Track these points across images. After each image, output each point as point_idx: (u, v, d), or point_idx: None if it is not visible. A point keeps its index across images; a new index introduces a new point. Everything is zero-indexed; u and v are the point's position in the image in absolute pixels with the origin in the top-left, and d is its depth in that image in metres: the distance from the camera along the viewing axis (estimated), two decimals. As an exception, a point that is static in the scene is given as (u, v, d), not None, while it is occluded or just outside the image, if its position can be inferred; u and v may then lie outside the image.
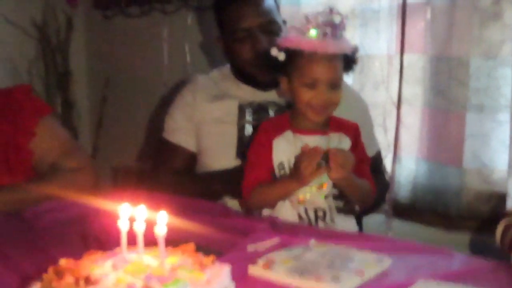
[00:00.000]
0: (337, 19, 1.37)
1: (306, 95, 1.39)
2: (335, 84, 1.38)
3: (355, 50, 1.42)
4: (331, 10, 1.37)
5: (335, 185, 1.41)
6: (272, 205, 1.43)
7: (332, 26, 1.36)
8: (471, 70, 1.80)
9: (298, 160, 1.35)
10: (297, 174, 1.34)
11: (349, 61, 1.42)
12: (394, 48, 1.98)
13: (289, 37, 1.41)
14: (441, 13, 1.86)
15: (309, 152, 1.33)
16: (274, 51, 1.41)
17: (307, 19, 1.37)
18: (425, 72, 1.93)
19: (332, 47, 1.35)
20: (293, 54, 1.39)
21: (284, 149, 1.42)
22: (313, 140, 1.42)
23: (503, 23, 1.75)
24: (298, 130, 1.44)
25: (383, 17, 1.99)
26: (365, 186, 1.44)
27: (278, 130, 1.44)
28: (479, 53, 1.79)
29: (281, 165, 1.42)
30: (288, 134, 1.43)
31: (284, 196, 1.41)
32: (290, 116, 1.47)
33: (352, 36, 2.02)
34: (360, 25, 2.03)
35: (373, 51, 2.01)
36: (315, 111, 1.40)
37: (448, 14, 1.84)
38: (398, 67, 1.96)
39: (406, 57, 1.95)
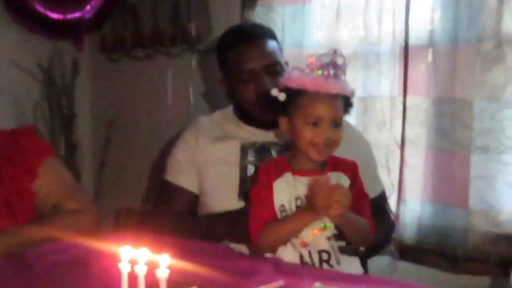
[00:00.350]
0: (340, 61, 1.40)
1: (308, 134, 1.40)
2: (338, 123, 1.40)
3: (353, 92, 1.45)
4: (335, 52, 1.40)
5: (336, 226, 1.40)
6: (282, 244, 1.41)
7: (335, 67, 1.39)
8: (475, 112, 1.81)
9: (313, 191, 1.33)
10: (313, 206, 1.32)
11: (347, 103, 1.44)
12: (397, 90, 1.99)
13: (292, 77, 1.43)
14: (443, 56, 1.88)
15: (323, 183, 1.32)
16: (274, 92, 1.44)
17: (311, 60, 1.39)
18: (428, 113, 1.94)
19: (335, 87, 1.38)
20: (295, 94, 1.41)
21: (285, 191, 1.42)
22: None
23: (506, 66, 1.76)
24: (297, 171, 1.43)
25: (385, 59, 2.00)
26: (363, 224, 1.42)
27: (278, 172, 1.44)
28: (482, 96, 1.80)
29: (282, 207, 1.41)
30: (288, 176, 1.43)
31: (296, 233, 1.39)
32: (288, 158, 1.47)
33: (355, 78, 2.03)
34: (363, 67, 2.05)
35: (376, 92, 2.02)
36: (317, 150, 1.40)
37: (450, 57, 1.86)
38: (401, 108, 1.97)
39: (409, 98, 1.95)
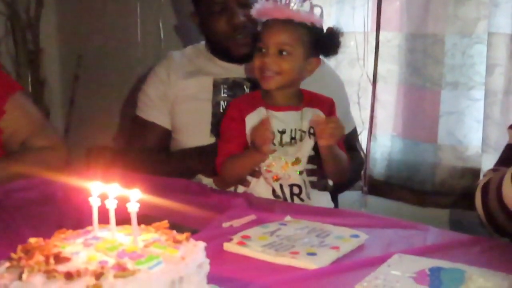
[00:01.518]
0: None
1: (256, 60, 1.41)
2: (283, 50, 1.39)
3: (334, 31, 1.43)
4: None
5: (311, 159, 1.41)
6: (242, 177, 1.43)
7: None
8: (446, 47, 1.81)
9: (253, 132, 1.36)
10: (255, 146, 1.35)
11: (325, 41, 1.42)
12: (370, 26, 1.98)
13: (256, 7, 1.44)
14: (417, -10, 1.86)
15: (260, 123, 1.34)
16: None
17: None
18: (400, 49, 1.93)
19: (281, 12, 1.38)
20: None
21: None
22: (286, 115, 1.42)
23: (478, 0, 1.75)
24: (271, 106, 1.44)
25: (359, -6, 1.97)
26: (344, 159, 1.45)
27: (251, 106, 1.44)
28: (455, 31, 1.79)
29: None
30: (261, 110, 1.43)
31: (252, 167, 1.41)
32: (262, 93, 1.47)
33: (328, 13, 2.00)
34: (337, 2, 2.02)
35: (349, 28, 2.00)
36: (263, 77, 1.40)
37: (424, -9, 1.84)
38: (374, 44, 1.96)
39: (382, 34, 1.94)
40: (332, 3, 2.02)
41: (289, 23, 1.38)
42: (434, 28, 1.82)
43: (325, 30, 1.44)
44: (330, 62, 1.98)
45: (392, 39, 1.95)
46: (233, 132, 1.43)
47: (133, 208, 0.77)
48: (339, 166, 1.44)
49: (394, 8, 1.93)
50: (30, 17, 2.70)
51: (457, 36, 1.79)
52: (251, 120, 1.42)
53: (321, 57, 1.48)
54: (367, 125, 2.00)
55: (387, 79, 1.97)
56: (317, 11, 1.41)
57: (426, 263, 0.97)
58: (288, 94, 1.44)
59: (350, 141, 1.80)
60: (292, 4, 1.38)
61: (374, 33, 1.95)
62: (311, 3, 1.40)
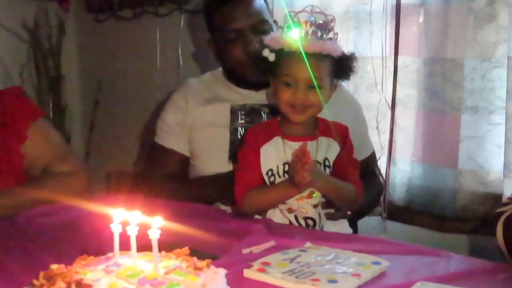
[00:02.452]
0: (320, 19, 1.36)
1: (285, 94, 1.38)
2: (313, 84, 1.36)
3: (348, 56, 1.41)
4: (312, 9, 1.37)
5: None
6: (265, 211, 1.41)
7: (315, 25, 1.36)
8: (466, 72, 1.80)
9: (293, 166, 1.32)
10: (293, 181, 1.31)
11: (341, 66, 1.40)
12: (388, 50, 1.98)
13: (274, 36, 1.41)
14: (435, 15, 1.86)
15: (301, 157, 1.29)
16: (265, 52, 1.41)
17: (290, 18, 1.36)
18: (419, 74, 1.93)
19: (311, 46, 1.34)
20: (278, 54, 1.39)
21: (273, 156, 1.41)
22: None
23: (498, 24, 1.74)
24: (287, 136, 1.42)
25: (377, 19, 1.98)
26: (348, 190, 1.41)
27: (267, 136, 1.42)
28: (474, 55, 1.79)
29: (270, 171, 1.41)
30: (277, 140, 1.42)
31: (279, 202, 1.39)
32: (279, 122, 1.45)
33: (346, 38, 2.01)
34: (354, 27, 2.03)
35: (367, 53, 2.01)
36: (294, 111, 1.38)
37: (442, 16, 1.84)
38: (392, 69, 1.96)
39: (400, 59, 1.94)
40: (350, 29, 2.03)
41: (318, 56, 1.35)
42: (453, 53, 1.82)
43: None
44: (349, 87, 1.99)
45: (410, 63, 1.94)
46: (250, 161, 1.42)
47: (154, 235, 0.77)
48: (343, 198, 1.41)
49: (412, 33, 1.93)
50: (52, 44, 2.76)
51: (476, 60, 1.78)
52: (266, 150, 1.41)
53: (336, 80, 1.47)
54: (386, 150, 1.99)
55: (406, 103, 1.97)
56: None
57: (450, 291, 0.95)
58: (305, 123, 1.43)
59: (368, 166, 1.80)
60: (319, 35, 1.35)
61: (392, 57, 1.95)
62: (335, 32, 1.38)
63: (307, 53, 1.34)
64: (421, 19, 1.90)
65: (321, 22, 1.36)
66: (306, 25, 1.35)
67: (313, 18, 1.36)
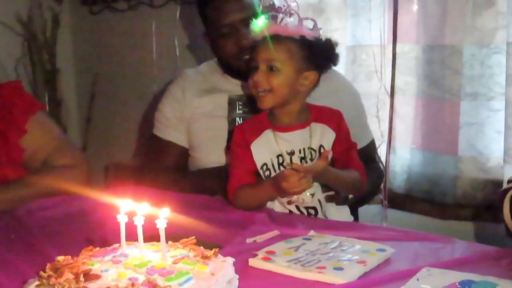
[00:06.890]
0: (280, 3, 1.40)
1: (251, 80, 1.40)
2: (272, 66, 1.36)
3: (324, 41, 1.40)
4: None
5: None
6: (256, 207, 1.39)
7: (274, 9, 1.39)
8: (465, 58, 1.79)
9: (280, 177, 1.28)
10: (280, 188, 1.29)
11: (315, 52, 1.38)
12: (386, 38, 1.97)
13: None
14: (433, 1, 1.85)
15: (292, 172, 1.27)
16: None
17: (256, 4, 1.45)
18: (418, 61, 1.92)
19: (269, 29, 1.37)
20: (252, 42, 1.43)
21: (265, 151, 1.40)
22: (293, 136, 1.39)
23: (496, 10, 1.74)
24: (277, 127, 1.41)
25: (375, 7, 1.97)
26: (350, 177, 1.40)
27: (256, 131, 1.41)
28: (473, 41, 1.78)
29: (264, 166, 1.40)
30: (267, 133, 1.41)
31: (268, 200, 1.39)
32: (268, 114, 1.44)
33: (344, 26, 2.01)
34: (352, 15, 2.02)
35: (366, 41, 2.00)
36: (259, 98, 1.39)
37: (440, 2, 1.83)
38: (390, 56, 1.95)
39: (399, 46, 1.93)
40: (348, 17, 2.02)
41: (277, 39, 1.36)
42: (452, 39, 1.81)
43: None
44: (347, 75, 1.98)
45: (409, 51, 1.94)
46: (240, 158, 1.41)
47: (162, 225, 0.77)
48: (346, 185, 1.40)
49: (410, 20, 1.92)
50: (47, 38, 2.74)
51: (475, 46, 1.78)
52: (257, 146, 1.40)
53: (335, 68, 1.45)
54: (386, 138, 1.98)
55: (405, 91, 1.96)
56: (308, 24, 1.40)
57: (456, 276, 0.95)
58: (293, 112, 1.41)
59: (368, 154, 1.79)
60: (278, 19, 1.38)
61: (391, 45, 1.94)
62: (299, 16, 1.39)
63: (266, 36, 1.37)
64: (419, 6, 1.89)
65: (280, 6, 1.39)
66: (266, 10, 1.40)
67: (272, 2, 1.41)
